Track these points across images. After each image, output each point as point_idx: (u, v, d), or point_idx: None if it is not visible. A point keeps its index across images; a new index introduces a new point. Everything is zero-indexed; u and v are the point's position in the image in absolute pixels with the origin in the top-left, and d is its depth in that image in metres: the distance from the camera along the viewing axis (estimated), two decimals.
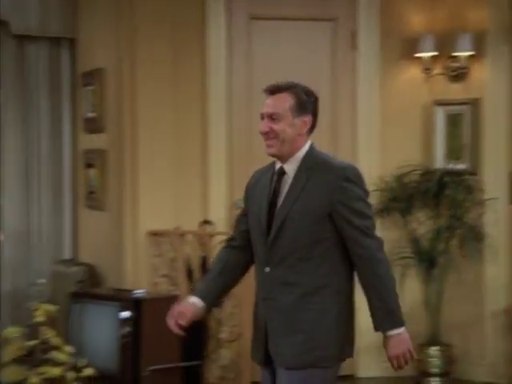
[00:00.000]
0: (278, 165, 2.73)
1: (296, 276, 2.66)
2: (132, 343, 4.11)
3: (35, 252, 5.17)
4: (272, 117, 2.70)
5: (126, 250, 4.71)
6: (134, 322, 4.13)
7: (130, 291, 4.38)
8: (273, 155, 2.74)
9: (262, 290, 2.70)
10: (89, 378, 3.76)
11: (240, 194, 2.95)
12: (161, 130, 4.65)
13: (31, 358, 3.66)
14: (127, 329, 4.09)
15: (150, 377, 4.15)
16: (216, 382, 4.42)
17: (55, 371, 3.61)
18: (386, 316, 2.62)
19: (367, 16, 5.05)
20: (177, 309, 2.73)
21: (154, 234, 4.64)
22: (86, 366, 3.76)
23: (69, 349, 3.73)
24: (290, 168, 2.71)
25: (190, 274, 4.55)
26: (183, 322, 2.70)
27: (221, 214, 4.80)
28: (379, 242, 2.67)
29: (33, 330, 3.75)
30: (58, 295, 4.86)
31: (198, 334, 4.35)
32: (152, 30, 4.73)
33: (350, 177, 2.68)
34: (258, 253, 2.73)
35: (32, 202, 5.20)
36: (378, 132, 5.07)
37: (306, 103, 2.72)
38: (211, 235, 4.53)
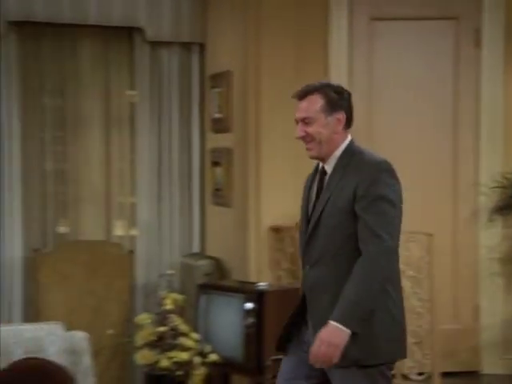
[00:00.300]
0: (321, 165, 2.77)
1: (333, 273, 2.67)
2: (255, 333, 4.25)
3: (166, 246, 5.46)
4: (305, 121, 2.73)
5: (250, 245, 4.88)
6: (258, 313, 4.26)
7: (253, 284, 4.53)
8: (314, 158, 2.78)
9: (304, 286, 2.76)
10: (214, 363, 3.97)
11: None
12: (282, 130, 4.78)
13: (161, 343, 3.89)
14: (251, 319, 4.24)
15: (272, 366, 4.30)
16: None
17: (183, 356, 3.84)
18: (339, 308, 2.56)
19: (492, 13, 4.99)
20: None
21: (276, 230, 4.80)
22: (212, 352, 3.97)
23: (196, 336, 3.96)
24: (329, 167, 2.75)
25: None
26: None
27: None
28: (387, 243, 2.59)
29: (162, 317, 3.99)
30: (186, 286, 5.13)
31: None
32: (276, 34, 4.88)
33: (376, 173, 2.65)
34: (300, 252, 2.80)
35: (163, 199, 5.49)
36: (502, 130, 5.01)
37: (337, 101, 2.73)
38: None
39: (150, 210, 5.47)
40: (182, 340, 3.88)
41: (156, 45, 5.46)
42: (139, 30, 5.39)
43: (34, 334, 3.50)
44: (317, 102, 2.73)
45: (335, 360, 2.52)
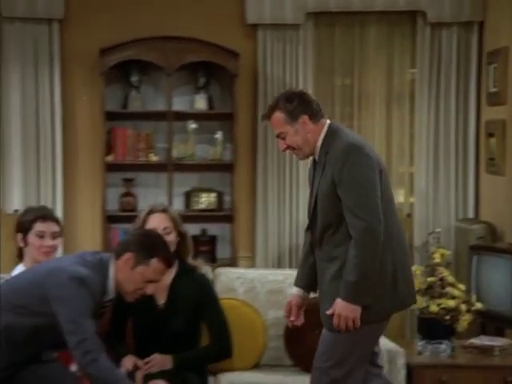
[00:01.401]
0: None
1: (336, 250, 2.97)
2: None
3: (441, 211, 5.87)
4: (280, 136, 3.02)
5: None
6: None
7: None
8: (303, 159, 3.13)
9: (317, 267, 3.10)
10: (479, 311, 4.34)
11: None
12: None
13: (431, 291, 4.32)
14: None
15: None
16: None
17: (450, 303, 4.22)
18: (343, 289, 2.90)
19: None
20: (285, 308, 3.23)
21: None
22: (477, 301, 4.34)
23: (462, 286, 4.34)
24: (317, 157, 3.04)
25: None
26: (293, 318, 3.20)
27: None
28: (367, 223, 2.83)
29: (432, 269, 4.43)
30: (459, 247, 5.55)
31: None
32: None
33: (344, 156, 2.91)
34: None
35: (440, 169, 5.87)
36: None
37: (294, 108, 2.99)
38: None
39: (427, 179, 5.92)
40: (449, 289, 4.27)
41: (436, 26, 5.86)
42: (421, 13, 5.85)
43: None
44: (279, 118, 3.05)
45: (357, 326, 2.93)
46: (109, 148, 5.76)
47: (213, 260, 5.71)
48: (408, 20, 5.99)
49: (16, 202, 5.67)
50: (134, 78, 5.83)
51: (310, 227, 3.14)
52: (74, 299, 2.93)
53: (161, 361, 3.43)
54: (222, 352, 3.62)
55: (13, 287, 3.09)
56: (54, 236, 3.51)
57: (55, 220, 3.56)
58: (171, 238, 3.51)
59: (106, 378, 2.92)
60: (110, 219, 5.78)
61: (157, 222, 3.52)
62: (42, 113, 5.72)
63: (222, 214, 5.92)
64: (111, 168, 5.77)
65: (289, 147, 3.10)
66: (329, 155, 2.99)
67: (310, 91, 5.95)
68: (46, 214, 3.54)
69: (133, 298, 3.14)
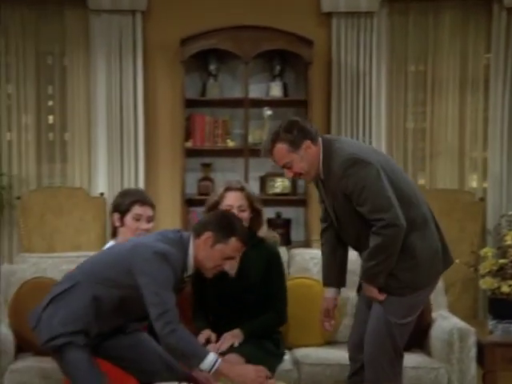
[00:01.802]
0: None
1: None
2: None
3: None
4: (286, 166, 3.14)
5: None
6: None
7: None
8: (311, 181, 3.30)
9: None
10: None
11: None
12: None
13: (502, 273, 4.40)
14: None
15: None
16: None
17: None
18: (361, 273, 3.18)
19: None
20: (324, 313, 3.49)
21: None
22: None
23: None
24: (322, 176, 3.20)
25: None
26: (330, 321, 3.49)
27: None
28: (385, 220, 3.04)
29: (503, 251, 4.50)
30: None
31: None
32: None
33: (344, 171, 3.09)
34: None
35: None
36: None
37: (295, 137, 3.10)
38: None
39: (501, 163, 5.95)
40: None
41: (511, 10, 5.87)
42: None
43: None
44: (282, 150, 3.15)
45: (380, 300, 3.23)
46: (188, 134, 5.98)
47: (287, 242, 5.88)
48: (483, 5, 6.02)
49: (101, 186, 5.99)
50: (213, 67, 6.05)
51: (342, 238, 3.39)
52: (157, 273, 3.11)
53: (231, 337, 3.59)
54: (279, 320, 3.77)
55: (102, 261, 3.31)
56: (149, 220, 3.69)
57: (151, 205, 3.73)
58: (245, 216, 3.66)
59: (184, 348, 3.06)
60: (189, 202, 6.01)
61: (232, 200, 3.66)
62: (126, 100, 5.99)
63: (296, 198, 6.08)
64: (190, 153, 5.99)
65: (296, 175, 3.25)
66: (331, 174, 3.18)
67: (383, 78, 6.07)
68: (145, 199, 3.71)
69: (212, 273, 3.31)
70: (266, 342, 3.72)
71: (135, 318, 3.38)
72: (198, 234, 3.26)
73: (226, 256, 3.25)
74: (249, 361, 3.45)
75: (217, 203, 3.70)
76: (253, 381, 3.08)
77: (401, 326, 3.26)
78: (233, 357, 3.49)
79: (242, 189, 3.68)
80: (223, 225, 3.26)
